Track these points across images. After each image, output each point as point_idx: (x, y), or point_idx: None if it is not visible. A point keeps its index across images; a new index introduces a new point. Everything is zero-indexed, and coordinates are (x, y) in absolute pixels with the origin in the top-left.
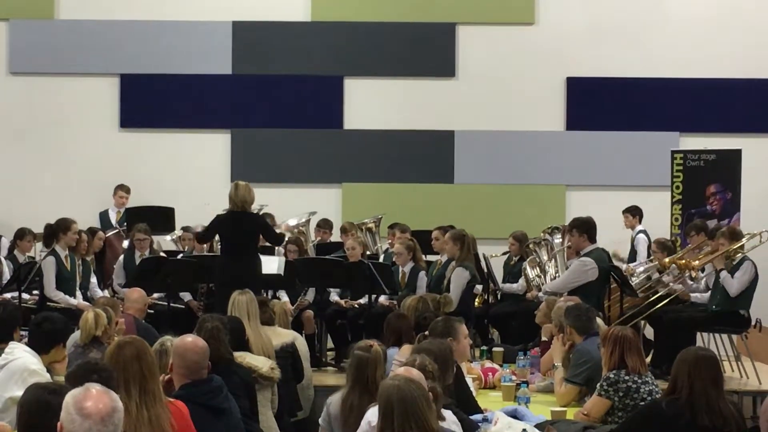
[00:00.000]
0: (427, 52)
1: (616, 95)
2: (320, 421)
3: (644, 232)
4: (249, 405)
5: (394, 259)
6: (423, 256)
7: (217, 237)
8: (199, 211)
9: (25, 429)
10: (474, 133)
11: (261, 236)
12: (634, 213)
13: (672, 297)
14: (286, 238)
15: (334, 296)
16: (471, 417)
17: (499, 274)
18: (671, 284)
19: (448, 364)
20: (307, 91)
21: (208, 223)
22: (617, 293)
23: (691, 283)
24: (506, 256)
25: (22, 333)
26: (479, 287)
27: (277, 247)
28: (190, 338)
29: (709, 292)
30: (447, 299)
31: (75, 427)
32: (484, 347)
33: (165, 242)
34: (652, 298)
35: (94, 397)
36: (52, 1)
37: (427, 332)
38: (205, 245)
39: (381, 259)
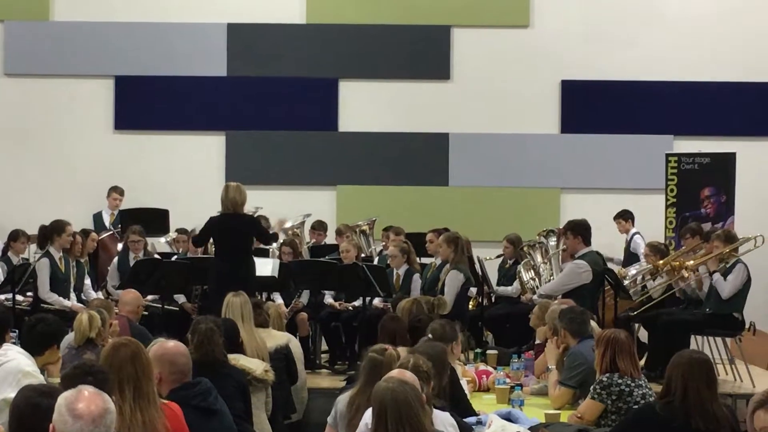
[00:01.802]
0: (422, 54)
1: (610, 98)
2: (329, 419)
3: (638, 234)
4: (243, 407)
5: (388, 262)
6: (417, 259)
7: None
8: (193, 213)
9: (16, 430)
10: (469, 136)
11: (256, 237)
12: (626, 217)
13: (671, 293)
14: (281, 240)
15: (328, 298)
16: (465, 419)
17: (493, 276)
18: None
19: (443, 365)
20: (302, 94)
21: (202, 226)
22: (611, 296)
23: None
24: (501, 258)
25: (11, 334)
26: (473, 290)
27: (271, 249)
28: (171, 343)
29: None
30: (441, 301)
31: (66, 428)
32: (479, 350)
33: (159, 244)
34: (642, 297)
35: (86, 398)
36: (47, 3)
37: (431, 335)
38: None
39: (375, 262)
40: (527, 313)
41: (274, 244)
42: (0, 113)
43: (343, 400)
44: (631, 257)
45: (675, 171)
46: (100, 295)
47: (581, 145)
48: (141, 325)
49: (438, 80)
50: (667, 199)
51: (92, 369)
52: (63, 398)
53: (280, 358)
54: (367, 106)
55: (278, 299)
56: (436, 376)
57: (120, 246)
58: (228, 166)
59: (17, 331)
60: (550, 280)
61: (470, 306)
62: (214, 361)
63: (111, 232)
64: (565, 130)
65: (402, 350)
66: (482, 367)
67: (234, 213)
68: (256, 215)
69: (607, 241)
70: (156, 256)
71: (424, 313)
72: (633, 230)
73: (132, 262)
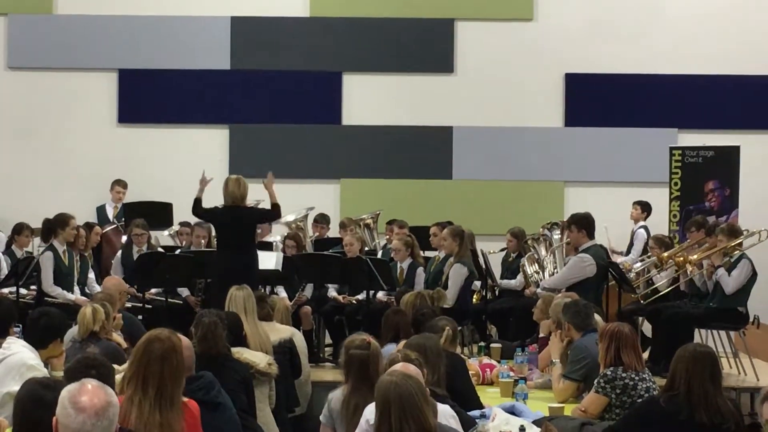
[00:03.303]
0: (426, 47)
1: (614, 91)
2: (321, 417)
3: (645, 228)
4: (246, 401)
5: (392, 255)
6: (421, 252)
7: (213, 232)
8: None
9: (20, 423)
10: (472, 129)
11: (261, 224)
12: (644, 208)
13: (676, 286)
14: (285, 233)
15: (332, 292)
16: (469, 413)
17: (497, 270)
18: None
19: (437, 355)
20: (305, 87)
21: (208, 207)
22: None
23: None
24: (504, 252)
25: (15, 329)
26: (477, 283)
27: (274, 243)
28: None
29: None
30: (440, 294)
31: (69, 421)
32: (482, 343)
33: (163, 237)
34: (647, 290)
35: (89, 391)
36: None
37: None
38: (203, 240)
39: (379, 255)
40: (531, 307)
41: (278, 237)
42: (4, 107)
43: (336, 398)
44: (630, 248)
45: (679, 164)
46: None
47: (585, 138)
48: (144, 319)
49: (441, 73)
50: (671, 193)
51: (95, 362)
52: (66, 391)
53: (284, 351)
54: (370, 99)
55: (282, 293)
56: (430, 365)
57: (124, 239)
58: (231, 159)
59: (21, 326)
60: (553, 274)
61: (474, 299)
62: (217, 355)
63: (114, 225)
64: (569, 123)
65: (403, 344)
66: (486, 360)
67: (236, 206)
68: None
69: (611, 233)
70: (159, 249)
71: (428, 306)
72: (642, 222)
73: (135, 256)
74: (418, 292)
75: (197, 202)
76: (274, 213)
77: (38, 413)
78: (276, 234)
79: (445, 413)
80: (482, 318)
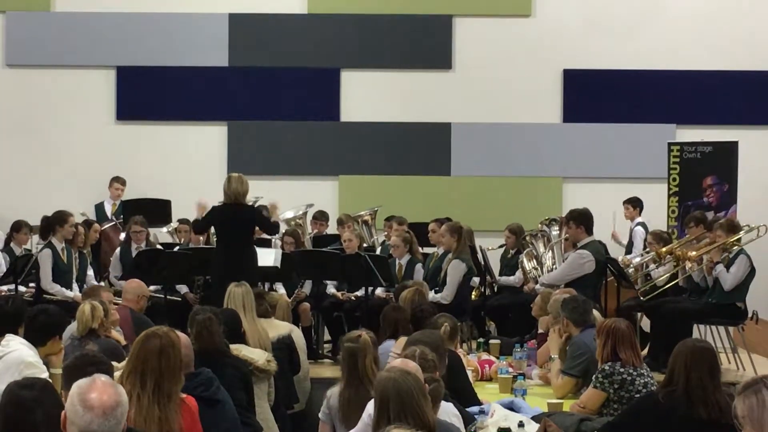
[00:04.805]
0: (424, 44)
1: (612, 87)
2: (320, 414)
3: (642, 224)
4: (245, 397)
5: (390, 252)
6: (420, 249)
7: (213, 230)
8: (195, 203)
9: (3, 424)
10: (471, 126)
11: (258, 226)
12: (635, 205)
13: (675, 281)
14: (283, 230)
15: (330, 288)
16: (467, 409)
17: (496, 266)
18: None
19: (441, 354)
20: (304, 84)
21: (205, 214)
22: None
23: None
24: (503, 248)
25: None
26: (476, 279)
27: (273, 240)
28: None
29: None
30: (420, 284)
31: (77, 418)
32: (481, 339)
33: (161, 234)
34: (646, 286)
35: (98, 388)
36: None
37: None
38: (201, 237)
39: (378, 252)
40: (529, 303)
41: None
42: (2, 104)
43: (334, 394)
44: (629, 247)
45: (677, 160)
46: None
47: (583, 134)
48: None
49: (440, 70)
50: (669, 188)
51: (94, 360)
52: (76, 387)
53: (283, 348)
54: (368, 96)
55: (280, 289)
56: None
57: (122, 236)
58: (230, 156)
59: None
60: (552, 270)
61: (473, 296)
62: (214, 351)
63: (113, 222)
64: (568, 119)
65: (403, 340)
66: (485, 356)
67: (236, 203)
68: (256, 205)
69: (610, 230)
70: (158, 246)
71: (426, 302)
72: (638, 219)
73: (134, 253)
74: (415, 288)
75: (195, 222)
76: (273, 229)
77: (20, 413)
78: None
79: (448, 412)
80: (481, 314)
